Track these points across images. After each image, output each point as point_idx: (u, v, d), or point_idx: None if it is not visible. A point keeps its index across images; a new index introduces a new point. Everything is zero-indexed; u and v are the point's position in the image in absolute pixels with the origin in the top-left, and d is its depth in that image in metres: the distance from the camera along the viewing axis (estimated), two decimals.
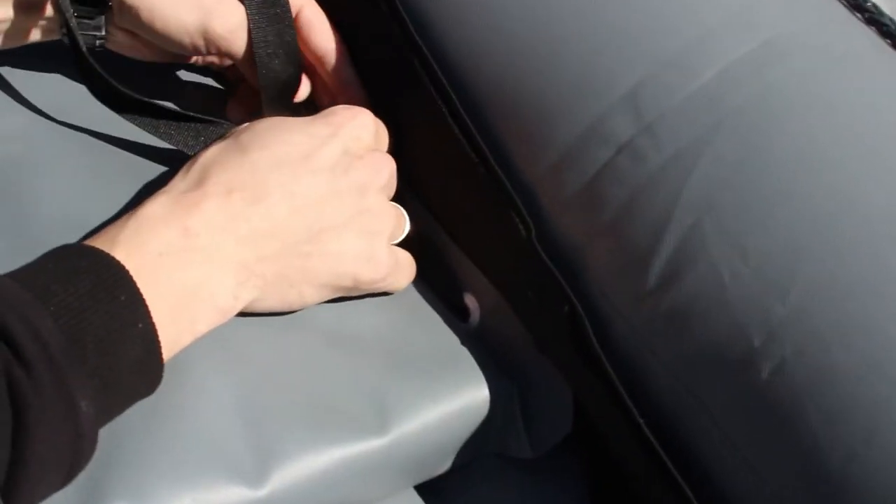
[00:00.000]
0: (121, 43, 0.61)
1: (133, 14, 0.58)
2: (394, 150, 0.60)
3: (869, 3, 0.57)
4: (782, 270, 0.49)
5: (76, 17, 0.56)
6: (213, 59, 0.68)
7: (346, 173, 0.54)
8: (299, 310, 0.54)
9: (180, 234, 0.47)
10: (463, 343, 0.59)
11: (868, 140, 0.52)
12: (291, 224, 0.51)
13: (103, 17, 0.58)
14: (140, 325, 0.43)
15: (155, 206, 0.48)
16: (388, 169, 0.57)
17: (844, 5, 0.58)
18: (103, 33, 0.59)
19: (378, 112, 0.60)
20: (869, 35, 0.57)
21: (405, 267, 0.59)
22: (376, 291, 0.57)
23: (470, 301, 0.61)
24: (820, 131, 0.51)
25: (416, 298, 0.60)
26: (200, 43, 0.60)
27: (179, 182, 0.50)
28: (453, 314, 0.61)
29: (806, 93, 0.53)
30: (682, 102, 0.53)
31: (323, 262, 0.53)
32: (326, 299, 0.55)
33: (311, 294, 0.53)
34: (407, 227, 0.59)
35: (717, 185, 0.51)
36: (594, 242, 0.55)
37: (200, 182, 0.50)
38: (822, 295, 0.48)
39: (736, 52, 0.54)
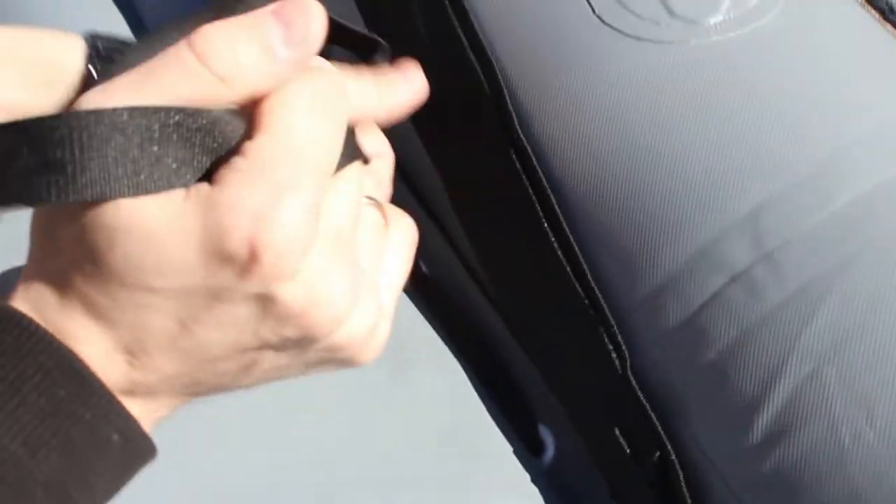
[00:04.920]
0: None
1: None
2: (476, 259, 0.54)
3: None
4: None
5: None
6: None
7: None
8: None
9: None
10: (533, 481, 0.51)
11: None
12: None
13: None
14: None
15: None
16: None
17: None
18: None
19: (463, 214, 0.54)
20: None
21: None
22: None
23: (546, 435, 0.54)
24: None
25: (489, 426, 0.53)
26: None
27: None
28: (526, 447, 0.53)
29: None
30: (810, 230, 0.46)
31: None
32: None
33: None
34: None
35: (845, 330, 0.45)
36: (695, 384, 0.48)
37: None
38: None
39: (876, 175, 0.46)
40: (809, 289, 0.45)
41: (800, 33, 0.51)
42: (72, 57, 0.42)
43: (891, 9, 0.54)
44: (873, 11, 0.55)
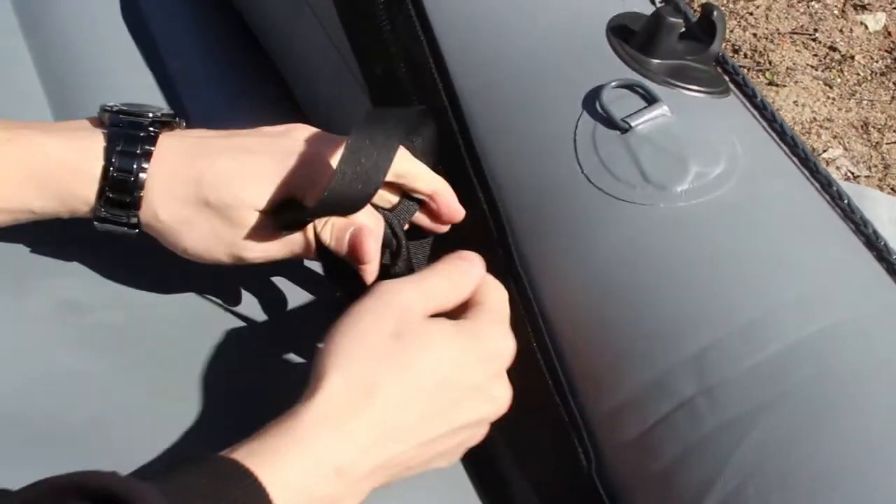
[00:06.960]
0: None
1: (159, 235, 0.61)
2: None
3: None
4: None
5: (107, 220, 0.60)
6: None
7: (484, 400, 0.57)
8: None
9: (332, 476, 0.50)
10: None
11: None
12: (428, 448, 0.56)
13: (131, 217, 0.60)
14: None
15: (311, 428, 0.50)
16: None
17: None
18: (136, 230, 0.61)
19: None
20: None
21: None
22: None
23: None
24: (873, 428, 0.54)
25: None
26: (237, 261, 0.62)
27: (338, 393, 0.52)
28: None
29: (864, 382, 0.56)
30: (744, 372, 0.56)
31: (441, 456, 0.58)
32: None
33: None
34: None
35: (766, 456, 0.55)
36: (645, 488, 0.59)
37: (364, 400, 0.52)
38: None
39: (802, 330, 0.57)
40: (739, 420, 0.55)
41: (750, 204, 0.62)
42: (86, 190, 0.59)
43: (829, 182, 0.65)
44: (815, 183, 0.66)
